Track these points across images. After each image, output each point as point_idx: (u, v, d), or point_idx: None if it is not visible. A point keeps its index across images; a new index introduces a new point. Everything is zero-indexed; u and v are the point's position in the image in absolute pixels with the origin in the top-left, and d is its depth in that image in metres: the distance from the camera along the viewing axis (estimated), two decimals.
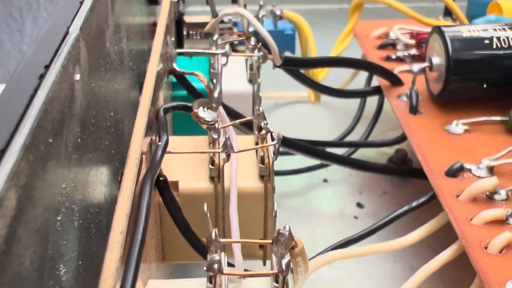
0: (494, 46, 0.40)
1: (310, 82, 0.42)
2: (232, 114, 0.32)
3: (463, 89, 0.40)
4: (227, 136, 0.25)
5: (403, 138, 0.42)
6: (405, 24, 0.53)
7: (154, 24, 0.37)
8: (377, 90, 0.46)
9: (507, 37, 0.40)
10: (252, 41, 0.34)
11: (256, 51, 0.35)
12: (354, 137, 0.52)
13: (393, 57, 0.49)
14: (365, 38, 0.53)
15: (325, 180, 0.48)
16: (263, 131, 0.26)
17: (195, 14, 0.48)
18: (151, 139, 0.25)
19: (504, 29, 0.40)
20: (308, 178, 0.48)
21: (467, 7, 0.51)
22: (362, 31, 0.54)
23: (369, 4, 0.55)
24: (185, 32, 0.46)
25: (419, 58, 0.49)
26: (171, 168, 0.27)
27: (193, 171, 0.27)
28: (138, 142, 0.23)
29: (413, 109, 0.41)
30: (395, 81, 0.44)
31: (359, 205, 0.46)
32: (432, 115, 0.41)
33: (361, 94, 0.46)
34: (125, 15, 0.32)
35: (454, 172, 0.35)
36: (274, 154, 0.26)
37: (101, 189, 0.22)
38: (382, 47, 0.51)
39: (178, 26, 0.40)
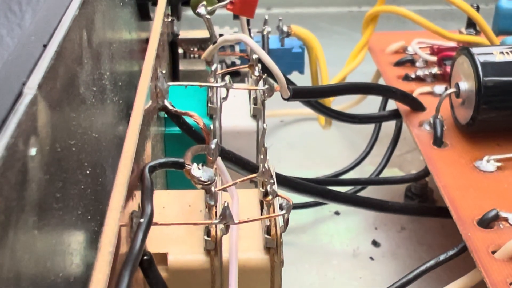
0: None
1: (321, 108, 0.37)
2: (233, 159, 0.28)
3: (495, 119, 0.36)
4: (225, 204, 0.20)
5: (425, 173, 0.37)
6: (424, 36, 0.48)
7: (147, 41, 0.32)
8: (395, 115, 0.41)
9: None
10: (256, 71, 0.30)
11: (261, 82, 0.30)
12: (370, 161, 0.47)
13: (412, 76, 0.44)
14: (381, 52, 0.48)
15: (337, 213, 0.44)
16: (270, 197, 0.22)
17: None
18: (133, 212, 0.21)
19: None
20: (317, 210, 0.44)
21: (494, 19, 0.46)
22: (377, 45, 0.49)
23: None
24: (181, 50, 0.42)
25: (442, 78, 0.44)
26: (158, 236, 0.23)
27: (186, 239, 0.23)
28: (113, 228, 0.18)
29: (438, 141, 0.37)
30: (417, 106, 0.40)
31: (375, 243, 0.41)
32: (459, 148, 0.36)
33: (378, 119, 0.42)
34: (110, 41, 0.28)
35: (488, 222, 0.31)
36: (282, 224, 0.21)
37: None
38: (399, 64, 0.46)
39: (173, 49, 0.35)
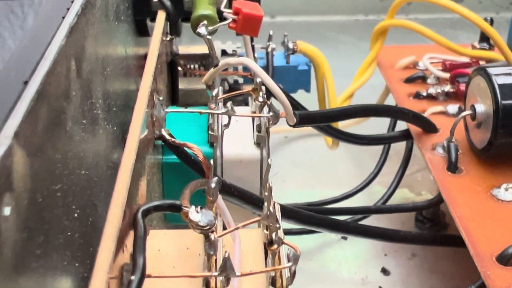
0: None
1: (329, 130, 0.36)
2: (235, 194, 0.26)
3: None
4: (226, 255, 0.19)
5: (439, 200, 0.35)
6: (436, 50, 0.46)
7: (146, 57, 0.31)
8: (406, 135, 0.39)
9: None
10: (261, 96, 0.28)
11: (265, 109, 0.28)
12: (378, 180, 0.45)
13: (424, 94, 0.42)
14: (390, 68, 0.46)
15: (344, 238, 0.42)
16: (275, 245, 0.20)
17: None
18: (123, 266, 0.19)
19: None
20: (324, 234, 0.42)
21: (509, 33, 0.44)
22: (386, 59, 0.47)
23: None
24: (180, 68, 0.40)
25: (455, 96, 0.42)
26: (153, 283, 0.21)
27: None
28: (102, 278, 0.16)
29: (452, 166, 0.35)
30: (430, 128, 0.38)
31: (384, 271, 0.39)
32: (475, 175, 0.34)
33: (388, 140, 0.40)
34: (103, 65, 0.26)
35: (508, 258, 0.28)
36: (289, 275, 0.19)
37: None
38: (410, 80, 0.44)
39: (172, 69, 0.34)
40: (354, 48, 0.72)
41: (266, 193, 0.23)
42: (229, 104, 0.27)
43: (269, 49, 0.38)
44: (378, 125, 0.44)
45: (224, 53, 0.41)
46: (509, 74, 0.34)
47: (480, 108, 0.34)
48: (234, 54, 0.40)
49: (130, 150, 0.21)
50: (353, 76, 0.52)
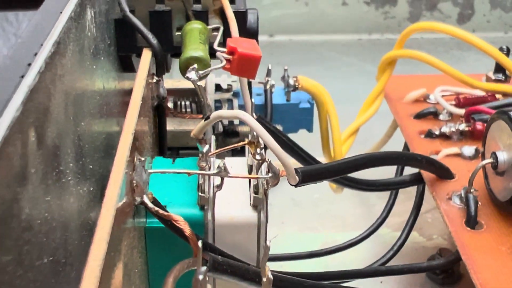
0: None
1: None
2: (228, 271, 0.22)
3: None
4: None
5: (457, 258, 0.32)
6: (448, 81, 0.42)
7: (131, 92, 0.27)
8: (418, 179, 0.36)
9: None
10: (258, 153, 0.24)
11: (263, 168, 0.24)
12: (387, 221, 0.42)
13: (436, 132, 0.39)
14: (398, 101, 0.43)
15: None
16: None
17: None
18: None
19: None
20: None
21: None
22: (394, 91, 0.44)
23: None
24: (171, 104, 0.36)
25: (470, 135, 0.38)
26: None
27: None
28: None
29: (471, 221, 0.31)
30: (444, 174, 0.34)
31: None
32: (497, 231, 0.31)
33: (398, 185, 0.36)
34: (76, 121, 0.22)
35: None
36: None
37: None
38: (420, 116, 0.41)
39: (159, 114, 0.30)
40: (357, 70, 0.69)
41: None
42: (222, 163, 0.23)
43: (268, 86, 0.35)
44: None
45: (218, 88, 0.37)
46: None
47: (503, 156, 0.31)
48: (229, 89, 0.37)
49: (101, 237, 0.18)
50: (357, 102, 0.49)
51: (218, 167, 0.23)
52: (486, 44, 0.38)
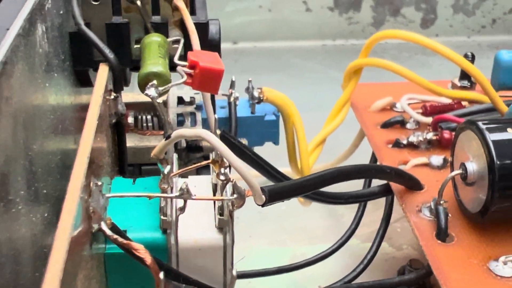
0: None
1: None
2: None
3: (511, 208, 0.30)
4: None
5: (428, 272, 0.31)
6: (415, 89, 0.41)
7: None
8: (387, 190, 0.35)
9: None
10: (222, 173, 0.23)
11: (228, 188, 0.23)
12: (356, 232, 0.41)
13: (404, 142, 0.38)
14: (365, 110, 0.42)
15: None
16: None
17: None
18: None
19: None
20: None
21: (493, 72, 0.40)
22: (360, 100, 0.43)
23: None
24: (131, 119, 0.35)
25: (438, 144, 0.38)
26: None
27: None
28: None
29: (442, 234, 0.31)
30: (413, 185, 0.34)
31: None
32: (468, 244, 0.30)
33: (367, 197, 0.35)
34: (27, 143, 0.21)
35: None
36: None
37: None
38: (387, 125, 0.40)
39: (118, 132, 0.29)
40: (322, 76, 0.68)
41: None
42: (184, 185, 0.22)
43: (232, 98, 0.34)
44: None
45: (180, 101, 0.36)
46: (503, 129, 0.30)
47: (472, 167, 0.30)
48: (192, 102, 0.36)
49: (53, 278, 0.16)
50: (323, 109, 0.48)
51: (181, 189, 0.22)
52: (451, 51, 0.38)
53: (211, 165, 0.25)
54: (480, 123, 0.30)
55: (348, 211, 0.43)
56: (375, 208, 0.43)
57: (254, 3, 0.74)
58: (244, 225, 0.44)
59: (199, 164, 0.25)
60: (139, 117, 0.34)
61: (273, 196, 0.24)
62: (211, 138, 0.22)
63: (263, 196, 0.24)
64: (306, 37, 0.76)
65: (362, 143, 0.45)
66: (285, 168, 0.39)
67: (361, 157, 0.44)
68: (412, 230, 0.32)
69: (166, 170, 0.23)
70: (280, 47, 0.74)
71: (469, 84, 0.44)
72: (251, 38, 0.75)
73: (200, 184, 0.26)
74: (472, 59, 0.43)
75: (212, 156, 0.25)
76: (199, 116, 0.34)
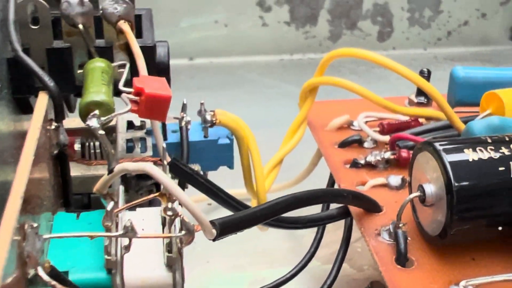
0: None
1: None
2: None
3: (470, 230, 0.29)
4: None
5: None
6: (372, 107, 0.41)
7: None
8: (345, 213, 0.34)
9: None
10: (170, 209, 0.22)
11: (176, 223, 0.22)
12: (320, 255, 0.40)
13: (362, 162, 0.37)
14: (321, 129, 0.41)
15: None
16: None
17: None
18: None
19: None
20: None
21: (449, 89, 0.40)
22: (317, 118, 0.42)
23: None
24: (78, 145, 0.33)
25: (396, 163, 0.37)
26: None
27: None
28: None
29: (401, 258, 0.30)
30: (372, 207, 0.33)
31: None
32: (428, 268, 0.29)
33: (325, 221, 0.35)
34: None
35: None
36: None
37: None
38: (344, 144, 0.39)
39: (61, 164, 0.27)
40: (280, 91, 0.67)
41: None
42: (129, 222, 0.21)
43: (183, 122, 0.33)
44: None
45: (130, 125, 0.35)
46: (461, 151, 0.29)
47: (430, 189, 0.30)
48: (142, 126, 0.34)
49: None
50: (280, 125, 0.47)
51: (125, 227, 0.21)
52: (406, 69, 0.37)
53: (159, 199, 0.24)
54: (437, 144, 0.30)
55: (308, 232, 0.43)
56: (335, 228, 0.42)
57: (210, 19, 0.73)
58: (201, 250, 0.43)
59: (146, 198, 0.23)
60: (87, 144, 0.33)
61: (224, 229, 0.23)
62: (156, 173, 0.20)
63: (214, 230, 0.23)
64: (263, 52, 0.75)
65: (321, 162, 0.44)
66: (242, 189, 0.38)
67: (320, 176, 0.43)
68: (371, 255, 0.31)
69: (109, 206, 0.22)
70: (237, 63, 0.73)
71: (425, 100, 0.44)
72: (208, 53, 0.73)
73: (148, 217, 0.25)
74: (428, 75, 0.43)
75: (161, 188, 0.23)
76: (149, 142, 0.33)
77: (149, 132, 0.34)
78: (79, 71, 0.29)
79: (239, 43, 0.74)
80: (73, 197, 0.31)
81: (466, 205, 0.28)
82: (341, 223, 0.38)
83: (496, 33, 0.81)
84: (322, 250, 0.41)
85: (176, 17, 0.72)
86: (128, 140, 0.33)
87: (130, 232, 0.21)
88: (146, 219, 0.25)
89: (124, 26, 0.28)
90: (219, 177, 0.36)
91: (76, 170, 0.31)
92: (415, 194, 0.30)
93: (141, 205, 0.27)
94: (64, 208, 0.28)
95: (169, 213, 0.22)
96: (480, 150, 0.29)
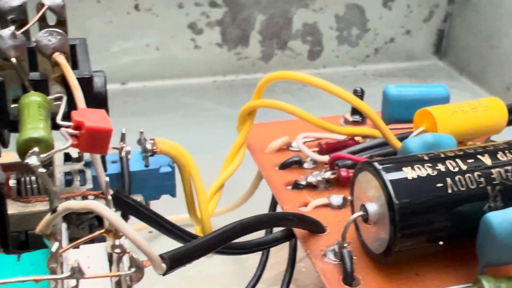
0: (450, 190, 0.29)
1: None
2: None
3: (413, 247, 0.30)
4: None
5: None
6: (310, 127, 0.41)
7: None
8: (290, 235, 0.34)
9: (463, 175, 0.30)
10: (117, 246, 0.21)
11: (125, 260, 0.22)
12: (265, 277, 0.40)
13: (303, 183, 0.38)
14: (261, 152, 0.41)
15: None
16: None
17: None
18: None
19: (454, 160, 0.31)
20: None
21: (382, 107, 0.41)
22: (256, 141, 0.42)
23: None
24: (13, 181, 0.32)
25: (337, 183, 0.38)
26: None
27: None
28: None
29: (348, 278, 0.30)
30: (316, 229, 0.33)
31: None
32: (375, 285, 0.30)
33: (271, 243, 0.34)
34: None
35: None
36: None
37: None
38: (285, 166, 0.40)
39: None
40: (215, 114, 0.67)
41: None
42: (76, 262, 0.20)
43: (123, 153, 0.32)
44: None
45: (67, 158, 0.34)
46: (400, 169, 0.30)
47: (373, 208, 0.30)
48: (80, 158, 0.34)
49: None
50: (218, 148, 0.47)
51: (72, 268, 0.20)
52: (341, 90, 0.38)
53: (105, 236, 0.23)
54: (376, 164, 0.30)
55: (251, 254, 0.43)
56: (279, 249, 0.42)
57: (141, 42, 0.72)
58: (145, 279, 0.42)
59: (91, 235, 0.23)
60: (22, 179, 0.32)
61: (174, 263, 0.23)
62: (102, 210, 0.20)
63: (163, 265, 0.22)
64: (197, 74, 0.75)
65: (262, 184, 0.44)
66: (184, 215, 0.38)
67: (261, 198, 0.43)
68: (319, 276, 0.31)
69: (54, 247, 0.21)
70: (170, 86, 0.73)
71: (360, 118, 0.45)
72: (140, 77, 0.73)
73: (94, 254, 0.24)
74: (362, 94, 0.44)
75: (105, 224, 0.23)
76: (89, 174, 0.32)
77: (88, 164, 0.33)
78: (13, 106, 0.28)
79: (171, 66, 0.74)
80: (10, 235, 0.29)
81: (408, 222, 0.29)
82: (284, 244, 0.38)
83: (421, 49, 0.85)
84: (267, 272, 0.41)
85: (106, 42, 0.71)
86: (66, 173, 0.32)
87: (77, 273, 0.20)
88: (91, 257, 0.24)
89: (60, 58, 0.27)
90: (158, 205, 0.36)
91: (13, 208, 0.30)
92: (358, 213, 0.31)
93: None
94: (2, 249, 0.27)
95: (117, 250, 0.21)
96: (418, 168, 0.30)
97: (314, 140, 0.42)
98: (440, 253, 0.31)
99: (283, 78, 0.39)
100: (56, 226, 0.23)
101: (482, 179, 0.30)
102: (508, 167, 0.30)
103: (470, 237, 0.29)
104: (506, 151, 0.31)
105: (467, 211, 0.30)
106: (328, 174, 0.38)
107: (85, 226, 0.32)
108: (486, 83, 0.78)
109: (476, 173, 0.30)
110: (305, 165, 0.40)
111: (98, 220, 0.32)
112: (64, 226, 0.24)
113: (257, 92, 0.40)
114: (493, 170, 0.30)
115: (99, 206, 0.20)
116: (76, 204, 0.21)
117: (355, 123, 0.45)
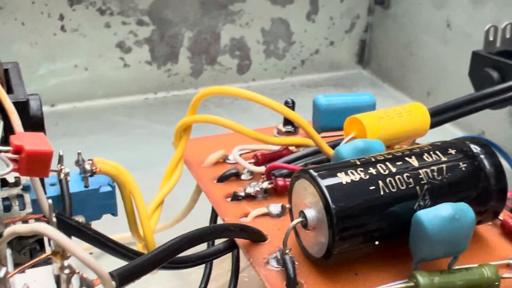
0: (382, 192, 0.31)
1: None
2: None
3: (351, 248, 0.31)
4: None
5: None
6: (245, 139, 0.42)
7: None
8: (232, 245, 0.35)
9: (394, 177, 0.32)
10: (66, 267, 0.21)
11: (74, 281, 0.22)
12: None
13: (242, 194, 0.39)
14: (199, 166, 0.42)
15: None
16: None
17: None
18: None
19: (384, 163, 0.32)
20: None
21: (313, 116, 0.43)
22: (193, 156, 0.43)
23: None
24: None
25: (274, 192, 0.39)
26: None
27: None
28: None
29: (291, 283, 0.31)
30: (257, 238, 0.34)
31: None
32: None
33: (214, 255, 0.35)
34: None
35: None
36: None
37: None
38: (223, 179, 0.41)
39: None
40: (148, 131, 0.67)
41: None
42: (25, 286, 0.20)
43: (62, 175, 0.32)
44: None
45: (4, 183, 0.33)
46: (334, 175, 0.31)
47: (311, 214, 0.31)
48: (17, 183, 0.33)
49: None
50: (154, 165, 0.47)
51: None
52: (273, 102, 0.39)
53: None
54: (312, 171, 0.31)
55: (195, 268, 0.43)
56: (221, 261, 0.43)
57: (69, 63, 0.72)
58: None
59: (38, 258, 0.23)
60: None
61: (123, 279, 0.23)
62: (50, 232, 0.20)
63: (113, 282, 0.23)
64: (127, 93, 0.75)
65: (201, 197, 0.45)
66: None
67: (201, 212, 0.44)
68: (263, 284, 0.32)
69: (2, 273, 0.21)
70: (101, 106, 0.73)
71: (293, 128, 0.46)
72: (70, 99, 0.72)
73: (40, 278, 0.24)
74: (293, 105, 0.46)
75: (51, 246, 0.23)
76: (27, 198, 0.32)
77: (26, 188, 0.33)
78: None
79: (101, 86, 0.73)
80: None
81: (345, 225, 0.31)
82: (225, 256, 0.39)
83: (345, 59, 0.88)
84: (211, 284, 0.42)
85: (32, 64, 0.70)
86: (4, 199, 0.32)
87: None
88: (38, 280, 0.24)
89: None
90: (99, 225, 0.36)
91: None
92: (298, 220, 0.32)
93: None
94: None
95: (66, 271, 0.22)
96: (351, 172, 0.32)
97: (249, 152, 0.43)
98: (377, 252, 0.32)
99: (217, 93, 0.40)
100: (1, 252, 0.23)
101: (411, 180, 0.32)
102: (434, 167, 0.32)
103: (403, 236, 0.31)
104: (431, 152, 0.33)
105: (399, 211, 0.31)
106: (265, 184, 0.39)
107: (26, 251, 0.32)
108: (408, 89, 0.81)
109: (405, 175, 0.32)
110: (243, 177, 0.41)
111: (40, 245, 0.32)
112: (8, 251, 0.24)
113: (191, 107, 0.41)
114: (420, 171, 0.32)
115: (47, 228, 0.20)
116: (22, 228, 0.21)
117: (288, 133, 0.46)
